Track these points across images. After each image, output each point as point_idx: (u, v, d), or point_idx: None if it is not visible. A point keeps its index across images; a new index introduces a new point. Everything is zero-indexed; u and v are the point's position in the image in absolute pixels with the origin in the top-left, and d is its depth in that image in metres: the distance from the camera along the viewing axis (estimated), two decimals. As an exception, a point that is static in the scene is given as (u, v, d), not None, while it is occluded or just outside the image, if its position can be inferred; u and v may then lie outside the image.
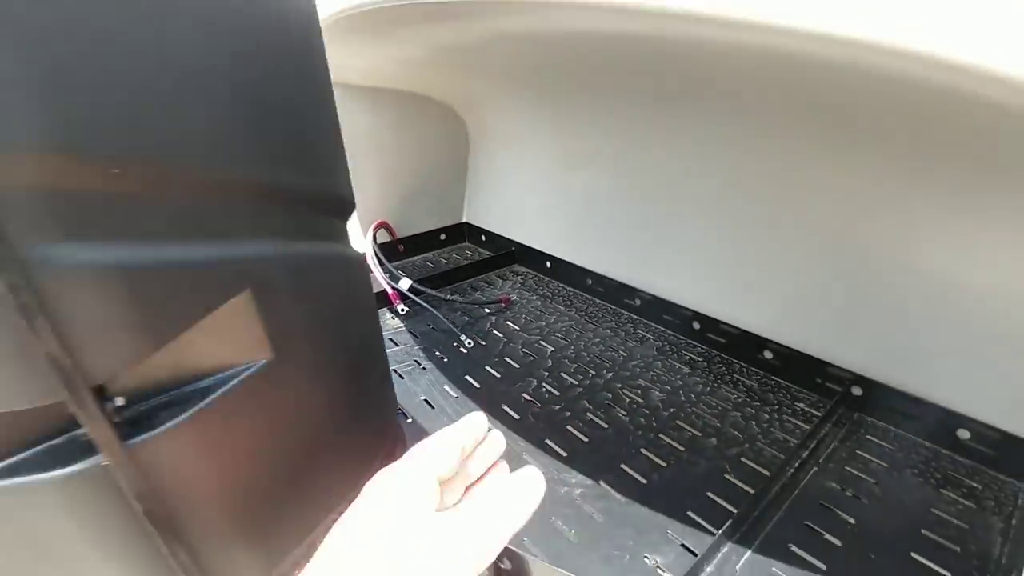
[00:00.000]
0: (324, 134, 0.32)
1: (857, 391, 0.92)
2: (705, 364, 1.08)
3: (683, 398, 0.98)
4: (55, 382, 0.19)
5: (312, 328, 0.31)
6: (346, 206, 0.34)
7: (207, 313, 0.24)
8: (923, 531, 0.72)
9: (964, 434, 0.82)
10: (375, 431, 0.40)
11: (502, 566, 0.66)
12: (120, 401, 0.22)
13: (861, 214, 0.85)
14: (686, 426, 0.91)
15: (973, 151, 0.67)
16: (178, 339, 0.22)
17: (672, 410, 0.95)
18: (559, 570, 0.61)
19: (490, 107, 1.41)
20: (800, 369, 0.98)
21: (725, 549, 0.68)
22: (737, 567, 0.67)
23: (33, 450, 0.21)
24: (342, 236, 0.34)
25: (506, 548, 0.65)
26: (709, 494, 0.77)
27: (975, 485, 0.79)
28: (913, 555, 0.68)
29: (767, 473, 0.79)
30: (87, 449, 0.22)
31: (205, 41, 0.24)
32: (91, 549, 0.23)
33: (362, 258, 0.35)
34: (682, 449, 0.86)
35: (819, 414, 0.89)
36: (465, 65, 1.18)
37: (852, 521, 0.73)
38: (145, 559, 0.24)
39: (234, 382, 0.26)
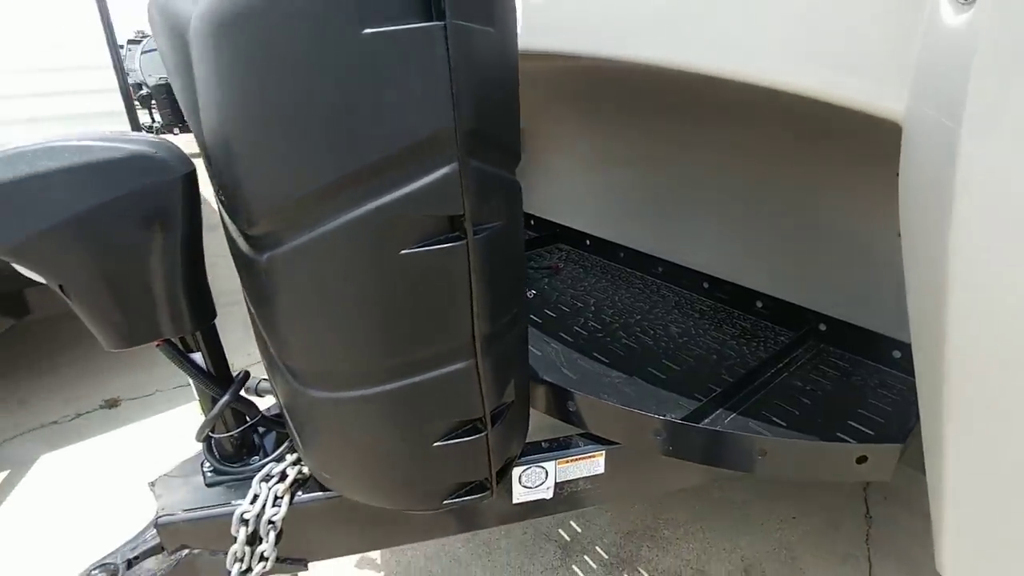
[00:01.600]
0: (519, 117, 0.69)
1: (823, 327, 1.23)
2: (712, 312, 1.40)
3: (694, 332, 1.30)
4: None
5: (515, 212, 0.66)
6: (519, 157, 0.70)
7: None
8: (859, 411, 1.03)
9: (897, 354, 1.13)
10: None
11: (570, 408, 0.99)
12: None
13: (824, 201, 1.18)
14: (696, 348, 1.24)
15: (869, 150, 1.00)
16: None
17: (685, 339, 1.28)
18: (619, 407, 0.94)
19: (542, 116, 1.77)
20: (783, 314, 1.30)
21: (718, 411, 1.01)
22: (726, 421, 0.99)
23: (438, 238, 0.58)
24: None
25: (571, 393, 0.99)
26: (710, 384, 1.10)
27: (903, 387, 1.09)
28: (850, 422, 1.00)
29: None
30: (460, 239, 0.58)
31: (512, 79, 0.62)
32: (453, 288, 0.60)
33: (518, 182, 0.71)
34: (692, 361, 1.19)
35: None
36: (527, 85, 1.54)
37: (808, 403, 1.05)
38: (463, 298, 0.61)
39: (498, 227, 0.61)
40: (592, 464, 0.99)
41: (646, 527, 1.68)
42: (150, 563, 0.91)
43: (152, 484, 0.94)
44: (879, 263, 1.13)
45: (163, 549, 0.91)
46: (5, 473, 1.97)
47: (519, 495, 0.97)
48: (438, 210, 0.55)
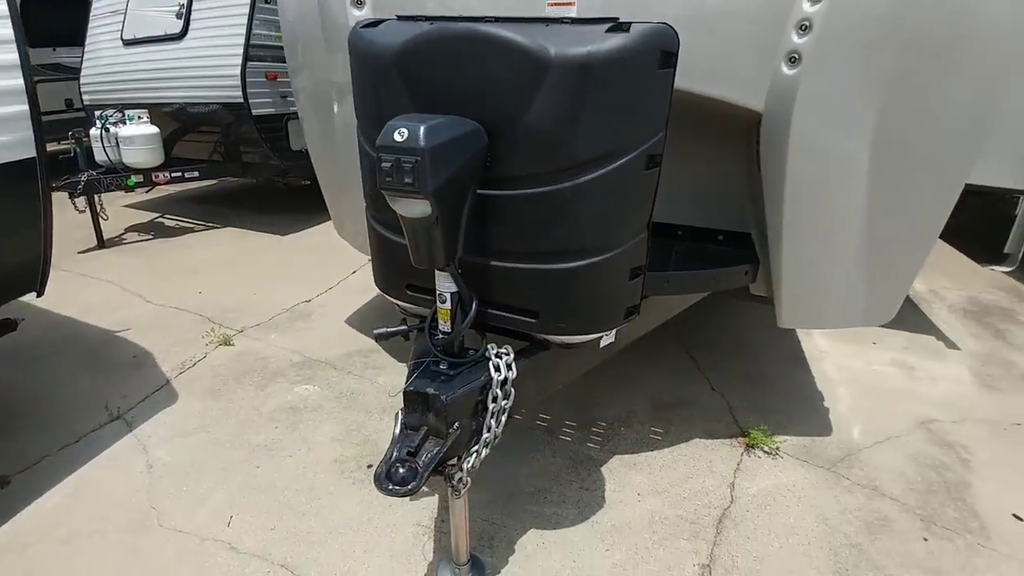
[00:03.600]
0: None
1: (680, 232, 2.16)
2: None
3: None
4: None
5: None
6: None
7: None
8: (726, 260, 1.97)
9: (720, 237, 2.13)
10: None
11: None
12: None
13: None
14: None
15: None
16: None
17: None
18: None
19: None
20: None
21: (667, 274, 1.80)
22: (680, 274, 1.79)
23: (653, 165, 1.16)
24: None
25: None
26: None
27: (733, 251, 2.09)
28: (728, 264, 1.92)
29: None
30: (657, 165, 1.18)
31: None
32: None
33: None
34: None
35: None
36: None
37: (704, 262, 1.94)
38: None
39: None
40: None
41: (589, 402, 2.41)
42: (428, 446, 1.19)
43: (409, 391, 1.20)
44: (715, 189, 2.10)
45: (428, 440, 1.20)
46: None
47: (603, 342, 1.58)
48: (655, 151, 1.15)
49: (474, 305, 1.22)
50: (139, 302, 3.27)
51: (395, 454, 1.16)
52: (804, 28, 1.38)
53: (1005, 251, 2.72)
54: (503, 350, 1.29)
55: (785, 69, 1.43)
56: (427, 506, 1.83)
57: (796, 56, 1.41)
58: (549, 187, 1.12)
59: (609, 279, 1.25)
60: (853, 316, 1.86)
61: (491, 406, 1.24)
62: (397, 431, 1.21)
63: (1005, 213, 2.64)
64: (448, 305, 1.21)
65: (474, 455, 1.25)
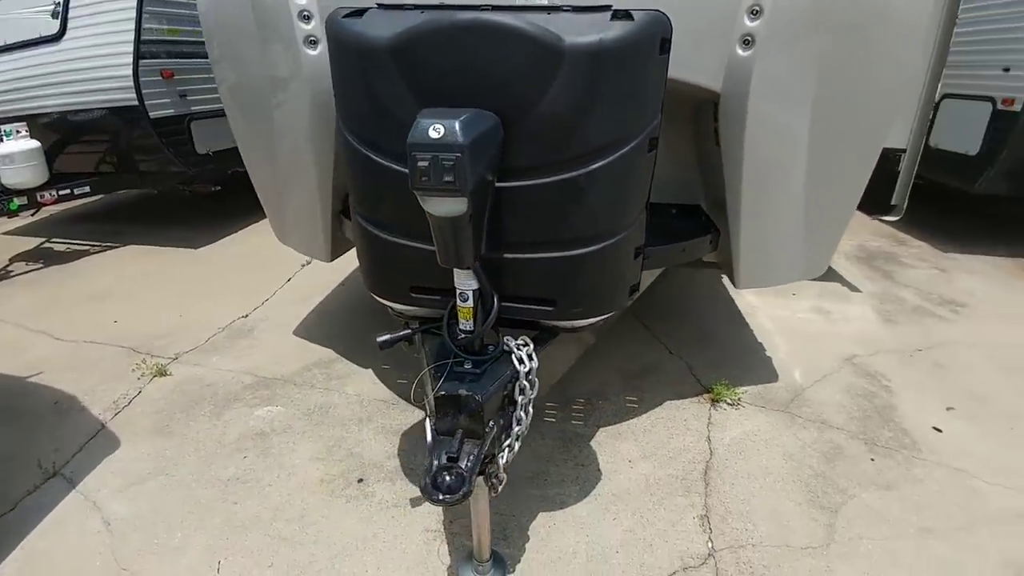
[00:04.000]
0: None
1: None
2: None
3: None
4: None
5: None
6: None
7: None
8: (689, 231, 2.09)
9: (674, 211, 2.26)
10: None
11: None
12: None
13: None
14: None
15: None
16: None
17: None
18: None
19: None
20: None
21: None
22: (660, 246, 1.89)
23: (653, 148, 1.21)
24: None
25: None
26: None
27: (693, 223, 2.23)
28: (694, 236, 2.05)
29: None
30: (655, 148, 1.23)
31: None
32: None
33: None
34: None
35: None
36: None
37: (675, 236, 2.05)
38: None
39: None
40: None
41: (564, 381, 2.46)
42: (467, 449, 1.17)
43: (441, 395, 1.17)
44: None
45: (465, 442, 1.18)
46: None
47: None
48: (654, 135, 1.20)
49: (495, 301, 1.22)
50: (46, 340, 2.84)
51: (436, 462, 1.13)
52: (755, 12, 1.49)
53: (892, 203, 3.15)
54: (520, 341, 1.30)
55: (740, 51, 1.54)
56: (431, 510, 1.80)
57: (750, 38, 1.52)
58: (563, 175, 1.13)
59: (617, 260, 1.29)
60: (796, 272, 2.07)
61: (519, 398, 1.25)
62: (430, 439, 1.18)
63: (889, 170, 3.02)
64: (470, 303, 1.19)
65: (507, 450, 1.26)
